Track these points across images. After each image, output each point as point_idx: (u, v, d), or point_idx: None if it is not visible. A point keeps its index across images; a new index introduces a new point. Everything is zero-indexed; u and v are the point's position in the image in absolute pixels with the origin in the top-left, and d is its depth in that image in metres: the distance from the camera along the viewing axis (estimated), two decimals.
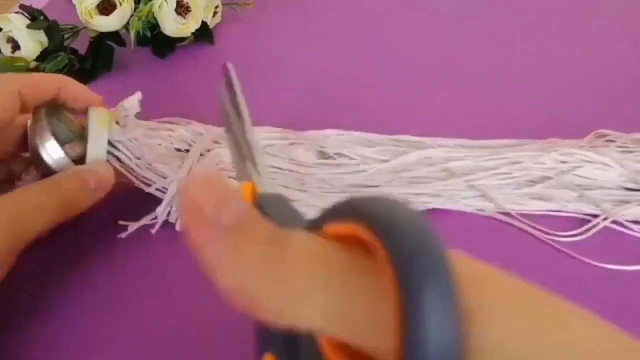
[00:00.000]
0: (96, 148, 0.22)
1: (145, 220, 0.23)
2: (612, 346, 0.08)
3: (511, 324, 0.08)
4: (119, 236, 0.23)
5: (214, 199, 0.09)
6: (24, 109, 0.22)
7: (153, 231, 0.23)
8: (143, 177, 0.23)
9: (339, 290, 0.08)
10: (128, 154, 0.23)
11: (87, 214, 0.23)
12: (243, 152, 0.16)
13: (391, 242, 0.08)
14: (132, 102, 0.24)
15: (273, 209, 0.12)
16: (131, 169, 0.23)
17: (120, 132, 0.23)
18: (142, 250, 0.23)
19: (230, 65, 0.23)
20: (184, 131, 0.27)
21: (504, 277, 0.09)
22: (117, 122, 0.24)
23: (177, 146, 0.26)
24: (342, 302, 0.08)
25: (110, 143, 0.23)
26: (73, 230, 0.23)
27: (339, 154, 0.27)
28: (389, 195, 0.09)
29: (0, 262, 0.18)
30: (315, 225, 0.10)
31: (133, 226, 0.23)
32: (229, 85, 0.20)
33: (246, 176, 0.15)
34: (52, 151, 0.21)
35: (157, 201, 0.23)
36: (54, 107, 0.23)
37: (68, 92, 0.23)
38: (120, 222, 0.23)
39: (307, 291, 0.08)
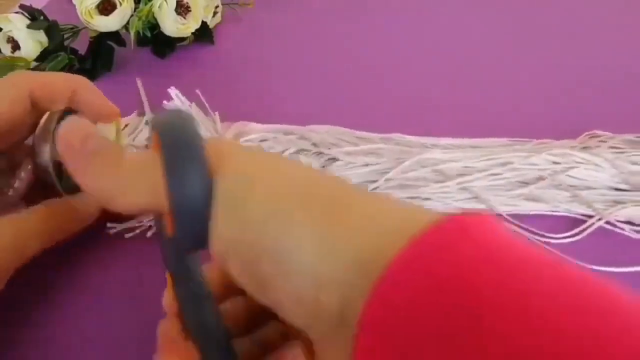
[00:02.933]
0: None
1: (132, 223, 0.23)
2: (300, 174, 0.13)
3: (235, 169, 0.12)
4: (109, 231, 0.23)
5: (80, 136, 0.14)
6: (35, 110, 0.21)
7: (149, 234, 0.23)
8: None
9: (151, 180, 0.13)
10: None
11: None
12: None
13: (160, 133, 0.12)
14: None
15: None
16: None
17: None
18: (136, 251, 0.23)
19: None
20: None
21: (240, 144, 0.14)
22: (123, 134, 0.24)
23: None
24: (152, 186, 0.12)
25: None
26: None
27: (331, 155, 0.27)
28: (176, 111, 0.13)
29: (3, 277, 0.18)
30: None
31: (119, 227, 0.23)
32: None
33: None
34: (43, 163, 0.20)
35: None
36: (65, 114, 0.21)
37: (81, 97, 0.22)
38: (109, 225, 0.23)
39: (136, 184, 0.13)
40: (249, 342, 0.15)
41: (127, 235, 0.23)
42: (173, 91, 0.27)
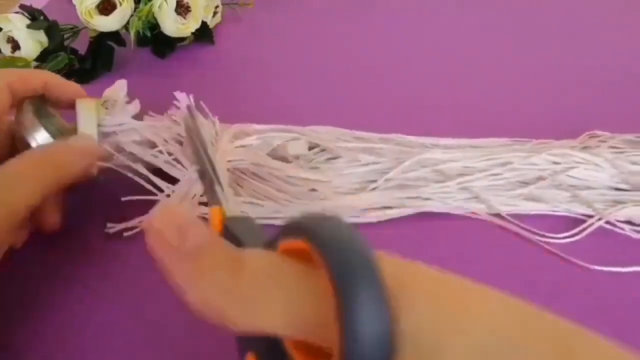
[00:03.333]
0: (86, 129, 0.23)
1: (131, 222, 0.23)
2: (508, 317, 0.10)
3: (424, 309, 0.09)
4: (108, 231, 0.23)
5: (176, 229, 0.10)
6: (14, 104, 0.22)
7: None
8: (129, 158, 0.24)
9: (290, 298, 0.10)
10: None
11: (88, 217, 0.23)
12: (210, 178, 0.18)
13: (326, 252, 0.09)
14: (116, 89, 0.25)
15: (239, 230, 0.13)
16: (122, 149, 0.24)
17: (109, 118, 0.24)
18: (136, 251, 0.23)
19: (186, 97, 0.24)
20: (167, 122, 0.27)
21: (423, 268, 0.10)
22: (105, 109, 0.25)
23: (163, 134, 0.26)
24: (294, 308, 0.10)
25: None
26: (66, 234, 0.23)
27: (330, 155, 0.27)
28: (330, 213, 0.10)
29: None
30: (273, 243, 0.11)
31: (118, 226, 0.23)
32: (191, 114, 0.22)
33: (216, 201, 0.16)
34: (42, 141, 0.22)
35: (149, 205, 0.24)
36: (41, 103, 0.23)
37: (54, 85, 0.23)
38: (108, 224, 0.23)
39: (264, 302, 0.10)
40: None
41: (126, 234, 0.23)
42: (180, 95, 0.27)
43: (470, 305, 0.10)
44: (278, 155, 0.27)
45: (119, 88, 0.26)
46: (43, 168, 0.19)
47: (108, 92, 0.26)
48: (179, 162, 0.25)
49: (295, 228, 0.10)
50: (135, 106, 0.26)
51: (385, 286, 0.09)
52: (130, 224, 0.24)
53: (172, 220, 0.10)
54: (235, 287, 0.10)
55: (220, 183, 0.17)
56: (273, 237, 0.12)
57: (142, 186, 0.24)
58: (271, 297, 0.10)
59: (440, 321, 0.09)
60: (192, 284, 0.10)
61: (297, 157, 0.27)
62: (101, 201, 0.25)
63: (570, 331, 0.10)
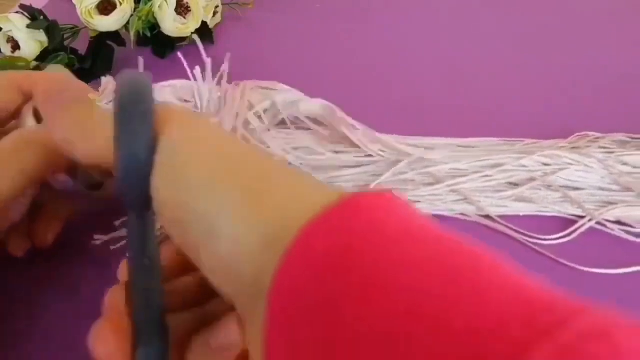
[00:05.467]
0: None
1: (119, 232, 0.23)
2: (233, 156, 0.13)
3: (176, 136, 0.13)
4: (95, 242, 0.23)
5: (59, 88, 0.16)
6: (24, 101, 0.22)
7: None
8: None
9: (106, 131, 0.13)
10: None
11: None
12: None
13: (116, 90, 0.13)
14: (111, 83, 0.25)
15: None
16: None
17: (102, 104, 0.24)
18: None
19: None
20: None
21: (192, 113, 0.15)
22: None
23: None
24: (107, 137, 0.13)
25: None
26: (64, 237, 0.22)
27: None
28: (137, 72, 0.14)
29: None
30: None
31: (104, 238, 0.23)
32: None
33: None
34: None
35: None
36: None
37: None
38: (95, 237, 0.23)
39: (94, 133, 0.14)
40: (191, 316, 0.15)
41: (113, 247, 0.23)
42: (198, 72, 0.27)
43: (219, 137, 0.14)
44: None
45: (114, 82, 0.26)
46: (26, 151, 0.19)
47: (104, 85, 0.26)
48: None
49: (116, 82, 0.15)
50: None
51: (151, 114, 0.13)
52: (117, 234, 0.23)
53: (58, 82, 0.16)
54: (83, 123, 0.15)
55: None
56: None
57: None
58: (100, 132, 0.14)
59: (186, 142, 0.13)
60: (57, 121, 0.15)
61: (309, 118, 0.27)
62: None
63: (282, 167, 0.13)
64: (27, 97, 0.22)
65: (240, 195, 0.12)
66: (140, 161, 0.13)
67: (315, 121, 0.29)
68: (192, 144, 0.13)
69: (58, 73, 0.17)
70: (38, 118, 0.22)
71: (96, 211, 0.24)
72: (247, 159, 0.13)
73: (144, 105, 0.13)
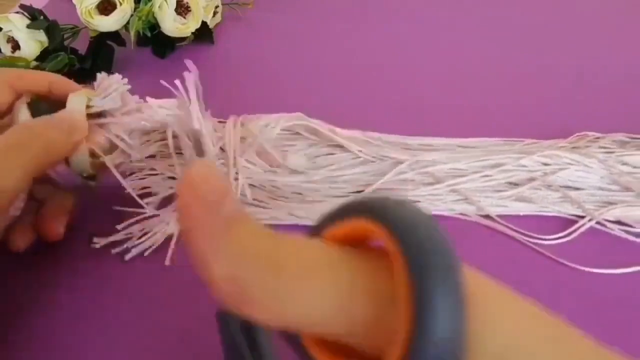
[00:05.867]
0: (75, 103, 0.22)
1: (118, 236, 0.23)
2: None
3: (515, 331, 0.09)
4: (94, 246, 0.23)
5: (215, 191, 0.09)
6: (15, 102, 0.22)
7: (147, 253, 0.23)
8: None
9: (339, 290, 0.08)
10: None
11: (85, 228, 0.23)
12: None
13: (406, 240, 0.08)
14: (106, 79, 0.24)
15: None
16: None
17: (98, 99, 0.23)
18: (128, 267, 0.22)
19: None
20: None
21: (503, 289, 0.10)
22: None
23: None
24: (342, 301, 0.08)
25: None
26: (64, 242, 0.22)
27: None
28: (400, 196, 0.09)
29: None
30: (315, 230, 0.10)
31: (103, 241, 0.23)
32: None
33: None
34: None
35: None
36: (37, 100, 0.23)
37: (58, 85, 0.23)
38: (94, 239, 0.23)
39: (308, 291, 0.08)
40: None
41: (114, 251, 0.23)
42: (190, 77, 0.26)
43: (543, 334, 0.09)
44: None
45: (109, 79, 0.25)
46: (28, 146, 0.18)
47: (99, 81, 0.25)
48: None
49: (357, 207, 0.09)
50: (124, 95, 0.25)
51: (464, 288, 0.08)
52: (116, 237, 0.23)
53: (211, 180, 0.09)
54: (273, 262, 0.08)
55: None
56: (315, 225, 0.10)
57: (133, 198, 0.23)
58: (318, 287, 0.08)
59: (532, 345, 0.08)
60: (223, 252, 0.08)
61: (295, 170, 0.27)
62: (91, 208, 0.24)
63: None
64: (19, 96, 0.22)
65: None
66: (454, 355, 0.08)
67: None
68: (527, 345, 0.09)
69: (200, 163, 0.09)
70: (32, 112, 0.22)
71: (93, 205, 0.24)
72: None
73: (456, 267, 0.08)
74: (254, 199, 0.25)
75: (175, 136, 0.25)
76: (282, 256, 0.08)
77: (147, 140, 0.26)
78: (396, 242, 0.08)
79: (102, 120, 0.23)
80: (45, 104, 0.23)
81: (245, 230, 0.09)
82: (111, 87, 0.24)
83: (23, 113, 0.22)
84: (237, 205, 0.09)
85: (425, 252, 0.08)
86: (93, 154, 0.22)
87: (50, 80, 0.23)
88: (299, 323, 0.08)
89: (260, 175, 0.26)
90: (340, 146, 0.28)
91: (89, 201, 0.25)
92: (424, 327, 0.08)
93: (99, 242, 0.23)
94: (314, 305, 0.08)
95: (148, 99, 0.26)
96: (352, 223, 0.09)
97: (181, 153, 0.26)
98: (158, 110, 0.25)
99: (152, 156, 0.26)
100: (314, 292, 0.08)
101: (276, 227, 0.24)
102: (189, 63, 0.23)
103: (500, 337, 0.08)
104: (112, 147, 0.23)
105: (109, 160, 0.23)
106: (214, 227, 0.08)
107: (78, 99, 0.23)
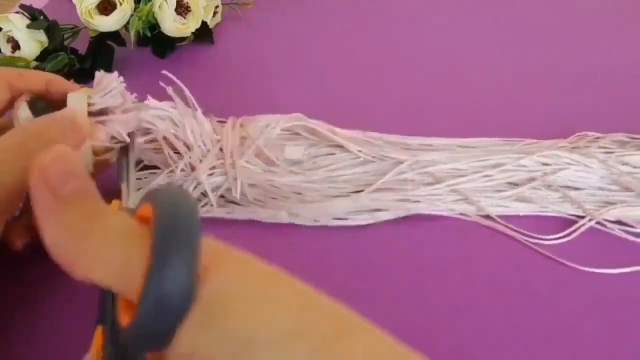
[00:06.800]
0: (75, 101, 0.22)
1: None
2: (285, 293, 0.11)
3: (226, 278, 0.11)
4: None
5: (62, 172, 0.11)
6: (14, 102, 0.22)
7: None
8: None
9: (124, 255, 0.11)
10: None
11: None
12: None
13: (156, 212, 0.11)
14: (105, 78, 0.24)
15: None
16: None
17: (97, 96, 0.23)
18: None
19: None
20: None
21: (235, 251, 0.12)
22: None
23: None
24: (122, 263, 0.11)
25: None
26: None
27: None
28: (174, 185, 0.12)
29: None
30: (134, 210, 0.13)
31: None
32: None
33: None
34: None
35: None
36: (37, 99, 0.23)
37: (56, 85, 0.23)
38: None
39: (103, 254, 0.11)
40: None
41: None
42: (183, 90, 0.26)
43: (273, 284, 0.11)
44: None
45: (108, 77, 0.25)
46: (28, 145, 0.18)
47: (98, 79, 0.25)
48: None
49: (148, 195, 0.12)
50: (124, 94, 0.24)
51: (200, 249, 0.10)
52: None
53: (62, 163, 0.11)
54: (87, 234, 0.11)
55: (128, 181, 0.20)
56: (133, 208, 0.13)
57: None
58: (111, 252, 0.11)
59: (236, 289, 0.11)
60: (52, 225, 0.11)
61: (293, 162, 0.27)
62: None
63: (352, 322, 0.11)
64: (17, 95, 0.22)
65: None
66: (177, 303, 0.10)
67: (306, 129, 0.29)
68: (246, 288, 0.11)
69: (59, 148, 0.12)
70: (33, 110, 0.22)
71: None
72: (317, 309, 0.11)
73: (193, 233, 0.10)
74: (254, 199, 0.25)
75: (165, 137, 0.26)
76: (89, 228, 0.11)
77: (145, 137, 0.26)
78: (154, 215, 0.11)
79: (102, 118, 0.23)
80: (44, 103, 0.23)
81: (81, 207, 0.11)
82: (111, 84, 0.24)
83: (24, 111, 0.22)
84: (80, 185, 0.11)
85: (167, 221, 0.11)
86: (95, 152, 0.22)
87: (46, 79, 0.23)
88: (101, 280, 0.11)
89: (260, 175, 0.26)
90: (340, 146, 0.28)
91: None
92: (150, 289, 0.10)
93: None
94: (109, 265, 0.11)
95: (149, 98, 0.26)
96: (144, 206, 0.12)
97: (178, 152, 0.26)
98: (150, 110, 0.25)
99: (152, 152, 0.27)
100: (110, 256, 0.11)
101: (276, 227, 0.24)
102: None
103: (215, 282, 0.11)
104: (112, 145, 0.24)
105: (111, 157, 0.23)
106: (51, 204, 0.11)
107: (78, 97, 0.23)
